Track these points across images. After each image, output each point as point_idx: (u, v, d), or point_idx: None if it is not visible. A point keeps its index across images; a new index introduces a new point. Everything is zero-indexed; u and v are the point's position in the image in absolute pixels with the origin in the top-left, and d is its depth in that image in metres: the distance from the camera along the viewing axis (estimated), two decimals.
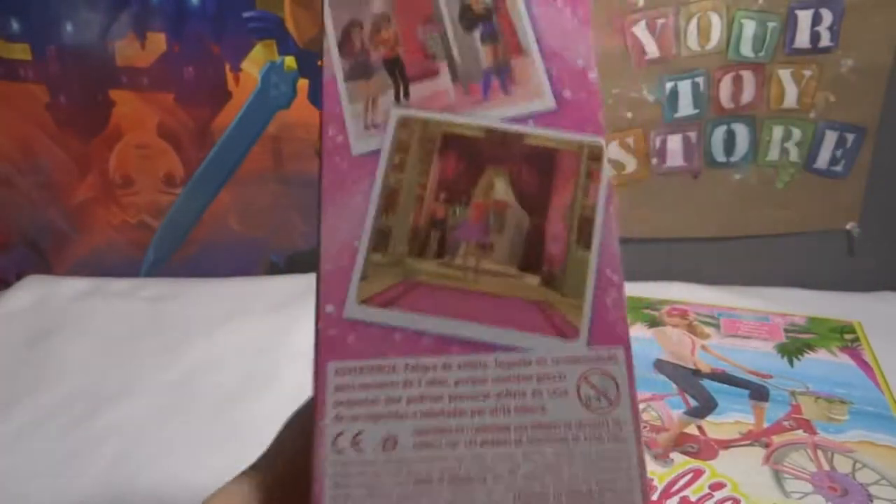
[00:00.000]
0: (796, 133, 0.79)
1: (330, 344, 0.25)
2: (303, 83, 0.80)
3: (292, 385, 0.66)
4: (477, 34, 0.28)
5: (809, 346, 0.63)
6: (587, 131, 0.26)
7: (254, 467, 0.26)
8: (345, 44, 0.28)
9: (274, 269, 0.87)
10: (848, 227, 0.82)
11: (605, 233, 0.25)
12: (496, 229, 0.26)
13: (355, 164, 0.26)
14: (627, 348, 0.24)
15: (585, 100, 0.27)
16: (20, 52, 0.79)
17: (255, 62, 0.79)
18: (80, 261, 0.87)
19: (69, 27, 0.78)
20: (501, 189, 0.26)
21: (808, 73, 0.76)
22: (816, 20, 0.75)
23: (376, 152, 0.26)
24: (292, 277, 0.83)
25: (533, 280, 0.25)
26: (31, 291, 0.81)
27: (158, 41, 0.79)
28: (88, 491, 0.54)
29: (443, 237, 0.26)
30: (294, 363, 0.68)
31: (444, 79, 0.27)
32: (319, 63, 0.28)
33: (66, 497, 0.54)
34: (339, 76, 0.27)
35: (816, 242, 0.83)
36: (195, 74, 0.80)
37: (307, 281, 0.81)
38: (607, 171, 0.26)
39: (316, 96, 0.80)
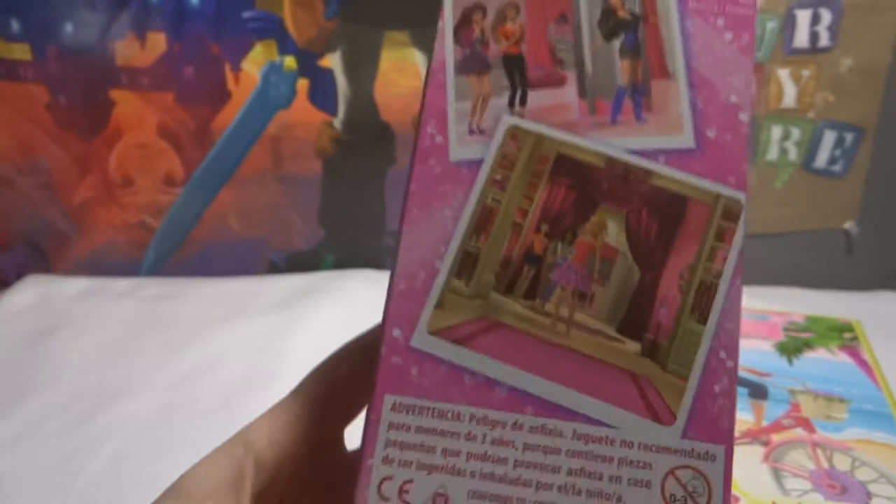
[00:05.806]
0: (795, 132, 0.79)
1: (391, 373, 0.22)
2: (302, 83, 0.80)
3: (292, 385, 0.66)
4: (616, 45, 0.24)
5: (808, 345, 0.63)
6: (727, 182, 0.22)
7: (296, 391, 0.26)
8: (462, 29, 0.24)
9: (274, 269, 0.87)
10: (846, 226, 0.82)
11: (725, 308, 0.22)
12: (600, 279, 0.23)
13: (451, 172, 0.23)
14: (729, 448, 0.21)
15: (731, 143, 0.23)
16: (20, 52, 0.79)
17: (255, 62, 0.79)
18: (80, 261, 0.87)
19: (69, 27, 0.78)
20: (614, 232, 0.23)
21: (806, 72, 0.76)
22: (815, 20, 0.75)
23: (477, 162, 0.23)
24: (292, 277, 0.83)
25: (632, 347, 0.22)
26: (32, 291, 0.81)
27: (158, 41, 0.79)
28: (88, 491, 0.54)
29: (537, 276, 0.23)
30: (294, 363, 0.68)
31: (570, 90, 0.24)
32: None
33: (66, 497, 0.54)
34: (450, 66, 0.24)
35: (815, 241, 0.83)
36: (195, 74, 0.80)
37: (307, 281, 0.82)
38: (742, 235, 0.22)
39: (315, 96, 0.80)
